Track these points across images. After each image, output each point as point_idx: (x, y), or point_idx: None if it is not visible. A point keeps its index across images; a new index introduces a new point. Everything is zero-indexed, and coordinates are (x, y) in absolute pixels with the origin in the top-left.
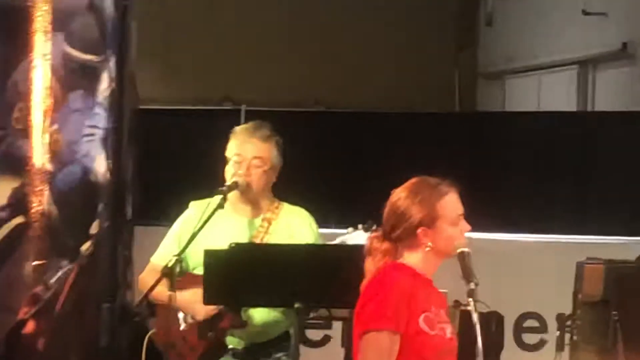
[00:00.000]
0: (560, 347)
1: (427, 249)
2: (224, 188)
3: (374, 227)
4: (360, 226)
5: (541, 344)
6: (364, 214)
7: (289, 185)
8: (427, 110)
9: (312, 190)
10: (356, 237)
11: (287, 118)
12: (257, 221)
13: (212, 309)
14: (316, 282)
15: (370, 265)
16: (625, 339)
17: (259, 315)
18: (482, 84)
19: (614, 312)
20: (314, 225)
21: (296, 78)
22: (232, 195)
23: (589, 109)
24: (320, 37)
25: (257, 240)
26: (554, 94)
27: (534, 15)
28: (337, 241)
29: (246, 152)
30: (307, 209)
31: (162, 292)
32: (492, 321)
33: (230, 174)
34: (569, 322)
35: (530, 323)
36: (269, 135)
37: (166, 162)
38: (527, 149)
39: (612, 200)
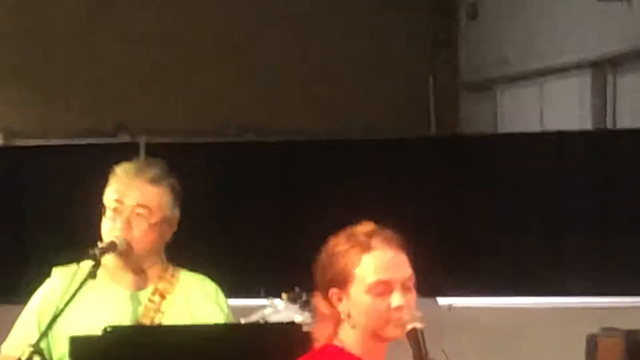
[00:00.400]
0: None
1: (351, 323)
2: (96, 250)
3: (303, 297)
4: (284, 296)
5: None
6: (289, 279)
7: (188, 245)
8: (390, 136)
9: (218, 252)
10: (281, 310)
11: (199, 151)
12: (145, 294)
13: None
14: None
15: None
16: None
17: None
18: (465, 97)
19: None
20: (221, 298)
21: (212, 101)
22: (110, 260)
23: (608, 125)
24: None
25: (146, 321)
26: (562, 106)
27: (533, 4)
28: (254, 317)
29: (128, 198)
30: (211, 277)
31: None
32: None
33: (107, 229)
34: None
35: None
36: (159, 175)
37: (37, 215)
38: (525, 184)
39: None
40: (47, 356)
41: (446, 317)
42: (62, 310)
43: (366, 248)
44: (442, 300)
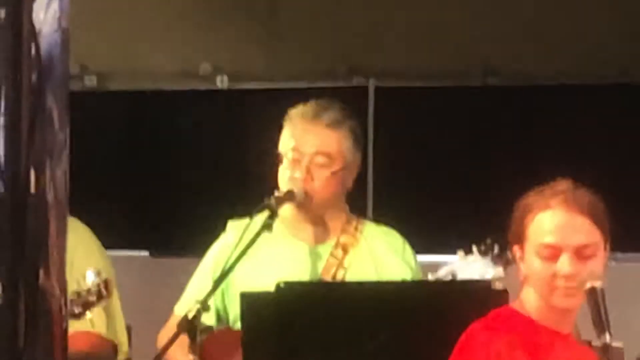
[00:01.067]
0: None
1: (529, 285)
2: (272, 200)
3: (496, 249)
4: (474, 248)
5: None
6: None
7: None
8: None
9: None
10: (471, 263)
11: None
12: (326, 248)
13: None
14: (409, 339)
15: None
16: None
17: None
18: None
19: None
20: (409, 252)
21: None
22: (287, 211)
23: None
24: None
25: (328, 278)
26: None
27: None
28: (442, 273)
29: (306, 145)
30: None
31: (184, 357)
32: None
33: (285, 178)
34: None
35: None
36: (339, 118)
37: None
38: None
39: None
40: (223, 316)
41: None
42: (233, 265)
43: (544, 206)
44: None
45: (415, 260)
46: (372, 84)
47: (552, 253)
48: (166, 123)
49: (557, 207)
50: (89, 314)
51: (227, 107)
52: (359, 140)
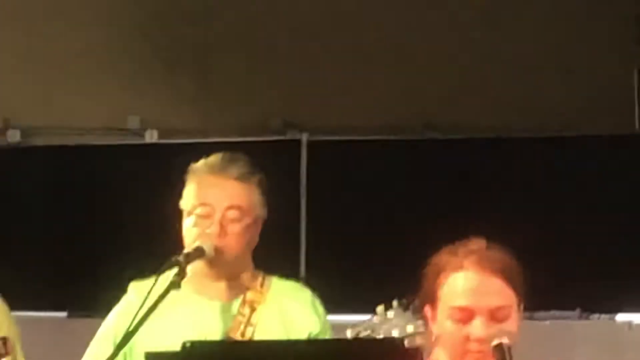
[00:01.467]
0: None
1: (440, 346)
2: (181, 257)
3: (416, 303)
4: (394, 303)
5: None
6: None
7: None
8: (597, 132)
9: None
10: (391, 319)
11: (372, 149)
12: (235, 306)
13: None
14: None
15: None
16: None
17: None
18: None
19: None
20: (318, 306)
21: (395, 96)
22: (197, 269)
23: None
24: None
25: (236, 336)
26: None
27: None
28: (360, 328)
29: (217, 199)
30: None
31: None
32: None
33: (193, 234)
34: None
35: None
36: (248, 172)
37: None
38: None
39: None
40: None
41: (626, 335)
42: (138, 327)
43: (457, 267)
44: (621, 317)
45: (324, 314)
46: (305, 138)
47: (465, 316)
48: (90, 179)
49: (470, 268)
50: None
51: (156, 162)
52: (265, 193)
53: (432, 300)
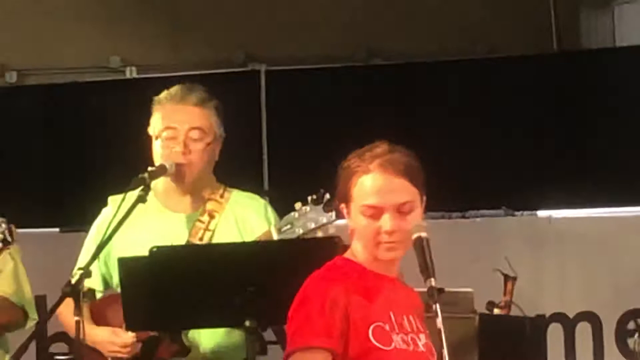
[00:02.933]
0: None
1: (356, 238)
2: (145, 175)
3: (326, 197)
4: (309, 198)
5: None
6: None
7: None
8: (516, 53)
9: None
10: (308, 213)
11: (322, 77)
12: (195, 215)
13: (132, 351)
14: (272, 292)
15: None
16: None
17: (207, 339)
18: (585, 14)
19: None
20: (270, 215)
21: (342, 29)
22: (163, 184)
23: None
24: None
25: (195, 240)
26: None
27: None
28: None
29: (180, 123)
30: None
31: (71, 317)
32: (527, 327)
33: (161, 155)
34: None
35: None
36: (205, 99)
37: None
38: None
39: None
40: (109, 281)
41: (546, 228)
42: (111, 236)
43: (365, 170)
44: (542, 213)
45: (276, 218)
46: (263, 68)
47: (375, 212)
48: (79, 112)
49: (376, 171)
50: None
51: (136, 95)
52: (222, 115)
53: (347, 199)
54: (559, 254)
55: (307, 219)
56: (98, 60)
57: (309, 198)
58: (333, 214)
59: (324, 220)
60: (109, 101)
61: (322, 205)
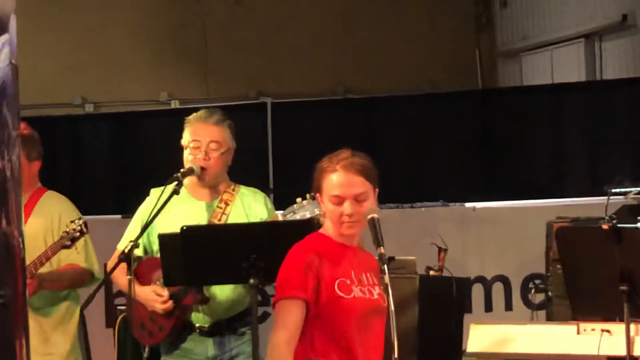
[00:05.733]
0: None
1: (327, 219)
2: (179, 174)
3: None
4: (308, 196)
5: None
6: None
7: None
8: (451, 90)
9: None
10: (306, 205)
11: (311, 107)
12: (215, 203)
13: (168, 306)
14: (269, 258)
15: None
16: (569, 292)
17: (221, 292)
18: (501, 62)
19: (558, 267)
20: (269, 204)
21: (318, 64)
22: (191, 181)
23: (597, 78)
24: (341, 21)
25: (215, 221)
26: (565, 66)
27: None
28: (286, 212)
29: (203, 136)
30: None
31: (123, 277)
32: (453, 284)
33: (188, 160)
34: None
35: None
36: (221, 119)
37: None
38: (537, 119)
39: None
40: (149, 250)
41: (471, 215)
42: (154, 218)
43: (332, 170)
44: (468, 204)
45: (273, 209)
46: (269, 101)
47: (339, 200)
48: (138, 132)
49: (340, 170)
50: (75, 247)
51: (178, 120)
52: (234, 132)
53: (319, 190)
54: (480, 234)
55: (304, 210)
56: (151, 95)
57: (307, 195)
58: None
59: (317, 212)
60: (159, 124)
61: (316, 201)
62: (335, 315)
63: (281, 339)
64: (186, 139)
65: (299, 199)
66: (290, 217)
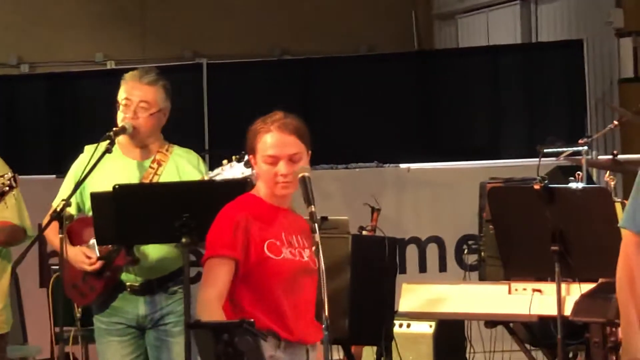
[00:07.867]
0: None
1: (261, 180)
2: (111, 132)
3: (246, 157)
4: (234, 157)
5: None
6: None
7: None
8: (388, 52)
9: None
10: (234, 168)
11: (247, 69)
12: (147, 163)
13: (96, 267)
14: (202, 218)
15: None
16: (501, 253)
17: (152, 251)
18: (437, 25)
19: (491, 227)
20: (202, 165)
21: (255, 26)
22: (124, 139)
23: (533, 40)
24: None
25: (147, 181)
26: (501, 29)
27: None
28: (213, 173)
29: (133, 96)
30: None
31: (56, 237)
32: (385, 246)
33: (120, 118)
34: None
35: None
36: (155, 79)
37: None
38: (474, 80)
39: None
40: (82, 208)
41: (406, 177)
42: (86, 175)
43: (267, 130)
44: (403, 165)
45: (206, 169)
46: (205, 62)
47: (273, 160)
48: (73, 93)
49: (274, 130)
50: (5, 203)
51: (114, 81)
52: (169, 93)
53: (254, 152)
54: (415, 194)
55: (231, 171)
56: (87, 56)
57: (233, 157)
58: (251, 169)
59: (246, 173)
60: (94, 85)
61: (242, 163)
62: (263, 276)
63: (211, 295)
64: (120, 96)
65: (224, 161)
66: (215, 177)
